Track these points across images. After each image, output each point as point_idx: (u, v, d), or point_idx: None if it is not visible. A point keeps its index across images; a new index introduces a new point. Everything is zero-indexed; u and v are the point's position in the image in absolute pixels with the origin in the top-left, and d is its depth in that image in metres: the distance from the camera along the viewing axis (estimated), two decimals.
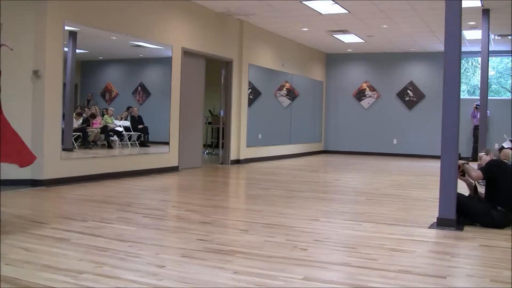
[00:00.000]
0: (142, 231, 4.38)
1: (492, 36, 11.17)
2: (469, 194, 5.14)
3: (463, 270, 3.46)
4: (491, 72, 13.56)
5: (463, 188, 5.16)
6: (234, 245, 3.90)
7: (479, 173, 4.87)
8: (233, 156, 11.11)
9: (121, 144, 10.53)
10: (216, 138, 13.63)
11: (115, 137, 10.46)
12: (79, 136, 9.47)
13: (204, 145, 11.37)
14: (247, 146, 11.56)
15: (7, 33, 6.67)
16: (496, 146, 11.77)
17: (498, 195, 4.78)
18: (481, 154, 5.09)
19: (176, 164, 9.34)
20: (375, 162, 12.73)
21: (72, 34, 7.48)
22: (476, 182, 5.11)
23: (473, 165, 5.16)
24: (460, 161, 4.91)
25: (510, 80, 14.28)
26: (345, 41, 13.32)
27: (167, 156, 9.19)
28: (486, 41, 9.48)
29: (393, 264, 3.48)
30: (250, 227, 4.64)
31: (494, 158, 4.99)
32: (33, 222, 4.55)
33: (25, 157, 4.59)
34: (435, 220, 4.77)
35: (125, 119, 10.99)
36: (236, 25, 11.05)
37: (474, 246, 4.10)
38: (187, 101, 9.65)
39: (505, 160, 5.15)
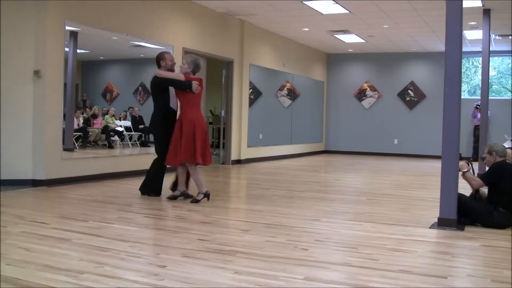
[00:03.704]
0: (143, 231, 4.38)
1: (493, 36, 11.16)
2: (471, 193, 5.13)
3: (464, 270, 3.46)
4: (492, 72, 13.55)
5: (464, 188, 5.15)
6: (235, 245, 3.90)
7: (479, 182, 4.90)
8: (234, 156, 11.11)
9: (121, 144, 10.54)
10: (217, 138, 13.64)
11: (116, 137, 10.47)
12: (80, 136, 9.48)
13: None
14: (248, 146, 11.56)
15: (7, 33, 6.68)
16: None
17: (501, 197, 4.77)
18: (484, 154, 5.07)
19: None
20: (376, 162, 12.73)
21: (73, 34, 7.49)
22: None
23: (474, 165, 5.16)
24: (461, 163, 4.90)
25: (511, 80, 14.27)
26: (346, 41, 13.32)
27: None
28: (487, 41, 9.48)
29: (394, 264, 3.48)
30: (251, 227, 4.64)
31: (498, 158, 4.94)
32: (33, 222, 4.55)
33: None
34: (436, 220, 4.77)
35: (124, 119, 11.00)
36: (237, 25, 11.05)
37: (475, 246, 4.10)
38: None
39: (507, 161, 5.12)
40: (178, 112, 6.08)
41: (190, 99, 5.86)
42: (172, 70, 6.13)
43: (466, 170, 4.93)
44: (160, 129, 6.08)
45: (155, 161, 6.26)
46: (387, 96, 15.18)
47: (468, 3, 8.12)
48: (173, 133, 5.85)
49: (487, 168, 5.20)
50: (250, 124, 11.65)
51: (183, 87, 5.83)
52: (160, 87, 6.00)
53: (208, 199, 5.82)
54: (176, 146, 5.80)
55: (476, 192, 5.07)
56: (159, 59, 6.10)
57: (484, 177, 4.90)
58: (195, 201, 5.80)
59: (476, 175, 5.13)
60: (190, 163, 5.82)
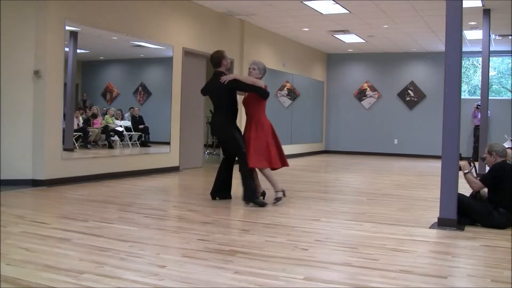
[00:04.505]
0: (143, 231, 4.38)
1: (493, 36, 11.16)
2: (471, 193, 5.13)
3: (464, 270, 3.46)
4: (492, 72, 13.56)
5: (464, 188, 5.15)
6: (235, 245, 3.90)
7: (479, 185, 4.91)
8: None
9: (122, 144, 10.54)
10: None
11: (116, 137, 10.46)
12: (80, 136, 9.47)
13: (205, 145, 11.37)
14: None
15: (7, 33, 6.68)
16: None
17: (501, 197, 4.77)
18: (485, 155, 5.06)
19: (177, 164, 9.34)
20: (376, 162, 12.73)
21: (73, 34, 7.48)
22: None
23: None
24: (464, 163, 4.90)
25: (511, 80, 14.27)
26: (346, 41, 13.32)
27: (168, 156, 9.20)
28: (487, 41, 9.49)
29: (394, 264, 3.48)
30: (251, 227, 4.64)
31: (498, 158, 4.93)
32: (34, 222, 4.55)
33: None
34: (436, 220, 4.77)
35: (122, 119, 10.98)
36: (237, 25, 11.05)
37: (475, 246, 4.10)
38: (188, 101, 9.65)
39: (507, 161, 5.12)
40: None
41: (263, 105, 6.13)
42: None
43: (467, 171, 4.92)
44: (233, 132, 6.16)
45: (243, 166, 5.88)
46: (387, 96, 15.18)
47: (468, 3, 8.12)
48: (263, 137, 6.01)
49: (487, 168, 5.20)
50: None
51: (264, 95, 6.03)
52: (236, 91, 6.09)
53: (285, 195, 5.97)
54: (270, 150, 5.95)
55: (476, 192, 5.07)
56: (221, 58, 5.99)
57: (485, 179, 4.89)
58: (278, 199, 5.91)
59: (476, 175, 5.12)
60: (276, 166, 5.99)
